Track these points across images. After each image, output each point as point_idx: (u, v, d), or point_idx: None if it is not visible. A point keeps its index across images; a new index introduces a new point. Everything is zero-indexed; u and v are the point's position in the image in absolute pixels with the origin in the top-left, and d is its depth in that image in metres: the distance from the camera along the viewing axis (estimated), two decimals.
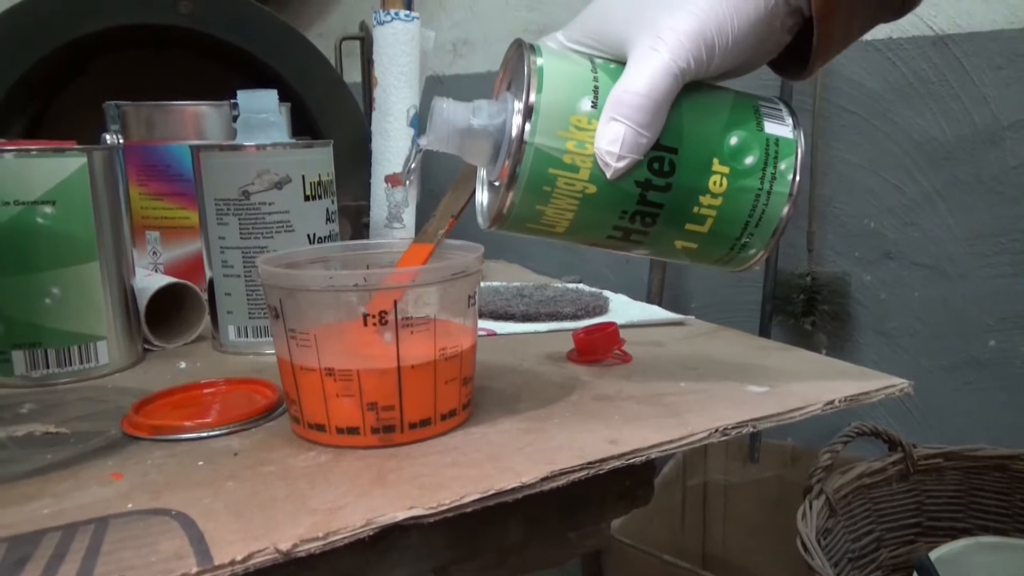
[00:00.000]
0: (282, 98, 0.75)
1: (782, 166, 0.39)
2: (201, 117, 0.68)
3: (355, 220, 0.93)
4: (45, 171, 0.49)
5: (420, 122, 0.87)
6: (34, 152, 0.49)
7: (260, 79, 1.04)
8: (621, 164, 0.37)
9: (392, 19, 0.83)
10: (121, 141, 0.70)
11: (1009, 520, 0.88)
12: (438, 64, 1.46)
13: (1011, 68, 0.97)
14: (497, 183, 0.39)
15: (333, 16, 1.63)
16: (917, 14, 1.01)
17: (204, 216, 0.55)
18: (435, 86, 1.44)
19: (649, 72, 0.36)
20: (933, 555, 0.78)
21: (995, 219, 1.01)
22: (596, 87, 0.38)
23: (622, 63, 0.38)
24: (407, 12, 0.84)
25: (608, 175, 0.38)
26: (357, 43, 1.37)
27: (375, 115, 0.86)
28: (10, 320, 0.49)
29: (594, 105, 0.37)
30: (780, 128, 0.40)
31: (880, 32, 1.04)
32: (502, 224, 0.40)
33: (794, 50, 0.41)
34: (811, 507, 0.78)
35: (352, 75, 1.36)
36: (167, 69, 1.07)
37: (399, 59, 0.83)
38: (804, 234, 1.12)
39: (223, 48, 0.98)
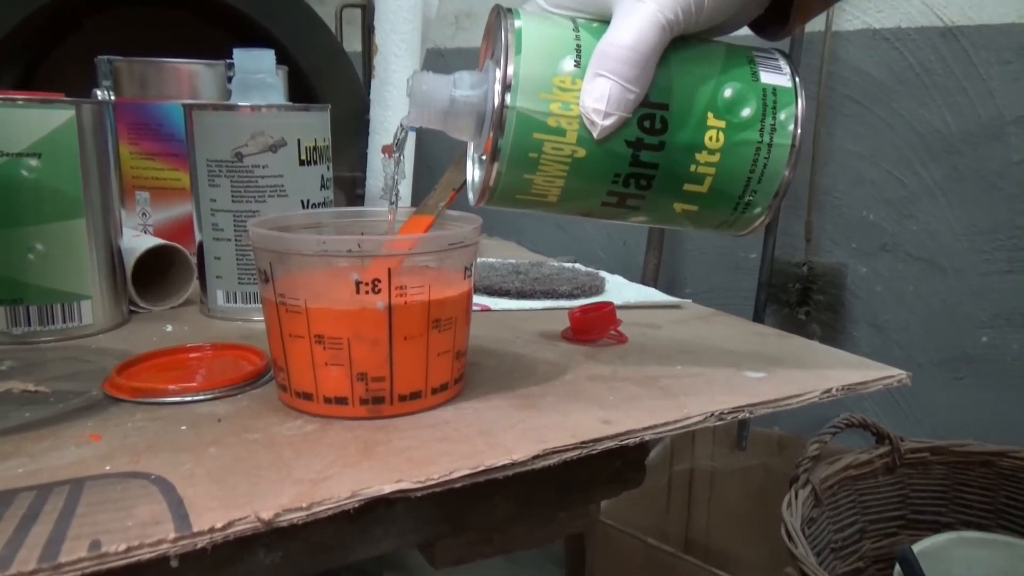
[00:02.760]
0: (280, 64, 0.73)
1: (782, 116, 0.37)
2: (196, 76, 0.67)
3: (350, 191, 0.91)
4: (31, 122, 0.47)
5: None
6: (20, 102, 0.47)
7: (259, 44, 1.01)
8: (608, 122, 0.35)
9: None
10: (112, 98, 0.69)
11: (992, 516, 0.88)
12: (439, 37, 1.44)
13: (1019, 62, 0.96)
14: (484, 156, 0.38)
15: None
16: (927, 3, 1.00)
17: (195, 177, 0.54)
18: (436, 59, 1.42)
19: (635, 24, 0.35)
20: (916, 548, 0.78)
21: (994, 214, 1.00)
22: (579, 46, 0.36)
23: (606, 23, 0.37)
24: None
25: (595, 135, 0.36)
26: (358, 11, 1.34)
27: (374, 83, 0.85)
28: None
29: (577, 64, 0.36)
30: (777, 77, 0.38)
31: (888, 21, 1.03)
32: (491, 197, 0.38)
33: (775, 9, 0.39)
34: (797, 496, 0.78)
35: (352, 44, 1.34)
36: (164, 30, 1.05)
37: (401, 26, 0.81)
38: (802, 223, 1.11)
39: (223, 11, 0.96)
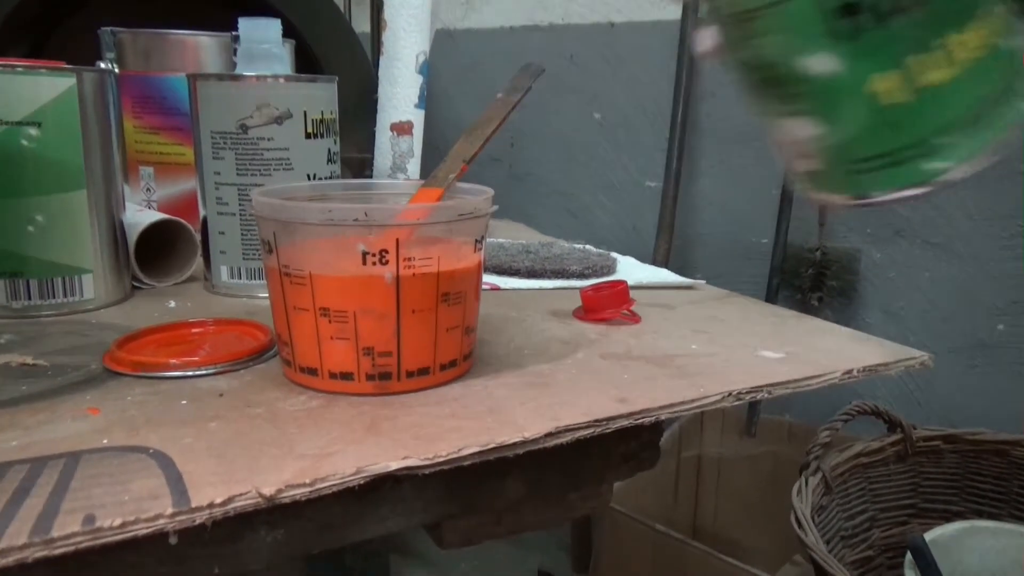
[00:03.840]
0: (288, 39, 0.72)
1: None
2: (201, 48, 0.65)
3: (358, 172, 0.90)
4: (31, 90, 0.46)
5: (430, 71, 0.84)
6: (20, 69, 0.46)
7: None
8: None
9: None
10: (116, 70, 0.67)
11: (1005, 505, 0.86)
12: (450, 18, 1.42)
13: None
14: None
15: None
16: None
17: (199, 150, 0.53)
18: (445, 41, 1.40)
19: None
20: (927, 537, 0.76)
21: (1012, 200, 0.98)
22: None
23: None
24: None
25: None
26: None
27: (382, 60, 0.83)
28: None
29: None
30: None
31: None
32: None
33: None
34: (807, 483, 0.77)
35: (360, 24, 1.32)
36: (171, 6, 1.04)
37: (411, 1, 0.79)
38: (815, 208, 1.09)
39: None
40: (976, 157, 0.30)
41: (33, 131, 0.46)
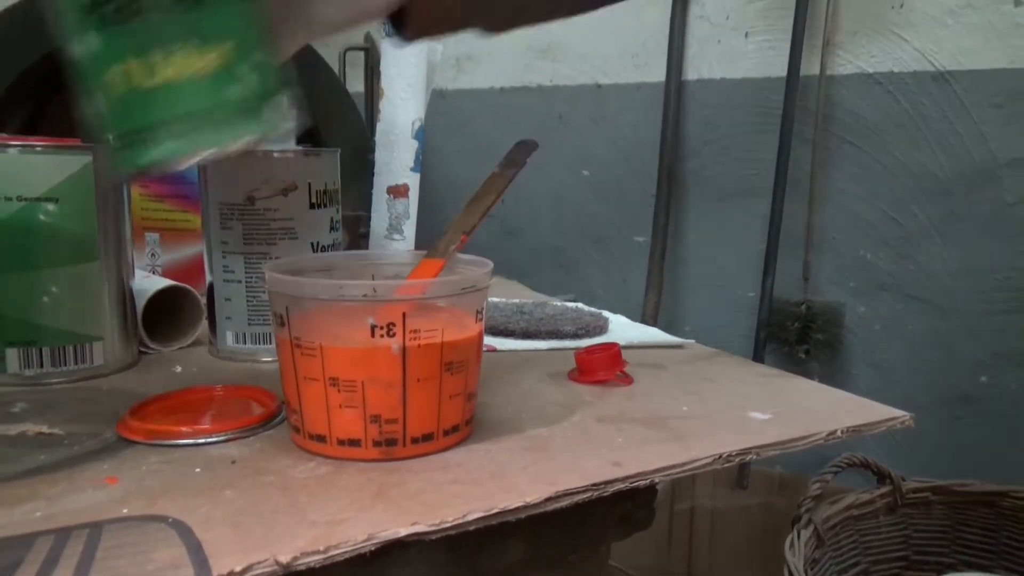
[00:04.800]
0: None
1: None
2: None
3: (353, 230, 0.92)
4: (49, 168, 0.48)
5: (424, 135, 0.87)
6: (39, 148, 0.48)
7: None
8: None
9: None
10: None
11: (995, 557, 0.87)
12: (441, 79, 1.47)
13: (1010, 107, 0.98)
14: None
15: None
16: (919, 49, 1.02)
17: (207, 220, 0.55)
18: (438, 101, 1.44)
19: None
20: None
21: (991, 255, 1.01)
22: None
23: None
24: None
25: None
26: (361, 54, 1.37)
27: (380, 127, 0.86)
28: (5, 317, 0.48)
29: None
30: None
31: (882, 66, 1.05)
32: None
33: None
34: (799, 536, 0.78)
35: (355, 85, 1.36)
36: None
37: (407, 71, 0.83)
38: (800, 263, 1.12)
39: None
40: (200, 152, 0.33)
41: (51, 207, 0.48)
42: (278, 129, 0.34)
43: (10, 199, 0.47)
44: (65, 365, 0.50)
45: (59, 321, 0.49)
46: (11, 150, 0.48)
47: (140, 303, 0.56)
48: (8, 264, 0.48)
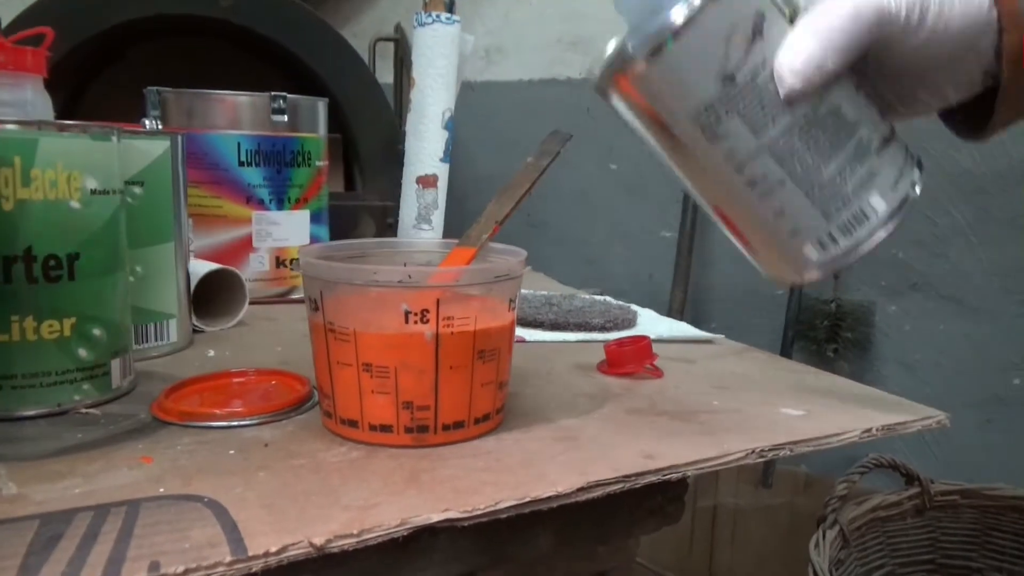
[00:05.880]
0: (316, 95, 0.75)
1: None
2: (240, 107, 0.68)
3: (380, 220, 0.93)
4: (138, 152, 0.50)
5: (454, 126, 0.87)
6: (128, 134, 0.50)
7: (296, 75, 1.04)
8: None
9: (433, 21, 0.83)
10: (160, 127, 0.70)
11: (1023, 562, 0.86)
12: (470, 70, 1.46)
13: None
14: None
15: (368, 17, 1.63)
16: None
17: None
18: (466, 92, 1.44)
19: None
20: None
21: None
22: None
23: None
24: (448, 15, 0.84)
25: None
26: (391, 44, 1.37)
27: (410, 116, 0.86)
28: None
29: None
30: None
31: None
32: None
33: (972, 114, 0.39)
34: (824, 537, 0.77)
35: (384, 76, 1.36)
36: (203, 59, 1.08)
37: (437, 61, 0.83)
38: None
39: (260, 42, 0.99)
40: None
41: (137, 190, 0.50)
42: None
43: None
44: (147, 342, 0.52)
45: (142, 300, 0.51)
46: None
47: (192, 284, 0.57)
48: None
